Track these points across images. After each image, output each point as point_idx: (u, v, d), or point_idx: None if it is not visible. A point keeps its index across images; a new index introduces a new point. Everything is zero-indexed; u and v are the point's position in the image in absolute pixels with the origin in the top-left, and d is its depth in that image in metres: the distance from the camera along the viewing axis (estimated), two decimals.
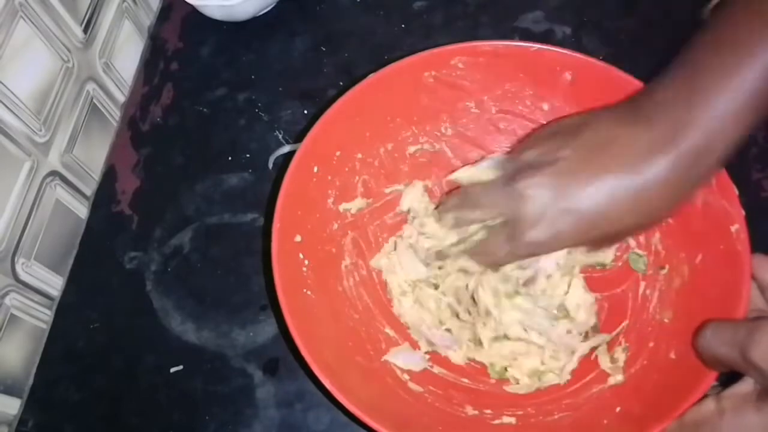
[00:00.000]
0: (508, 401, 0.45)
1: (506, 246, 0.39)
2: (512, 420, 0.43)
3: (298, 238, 0.45)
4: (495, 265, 0.44)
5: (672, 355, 0.41)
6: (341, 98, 0.47)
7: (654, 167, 0.34)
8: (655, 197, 0.35)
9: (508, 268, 0.46)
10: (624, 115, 0.37)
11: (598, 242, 0.40)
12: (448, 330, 0.48)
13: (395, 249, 0.51)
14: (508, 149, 0.52)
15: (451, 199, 0.45)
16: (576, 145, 0.37)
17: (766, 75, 0.32)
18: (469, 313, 0.48)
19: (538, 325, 0.45)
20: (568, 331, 0.46)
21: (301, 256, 0.45)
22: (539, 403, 0.44)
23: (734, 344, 0.33)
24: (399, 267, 0.50)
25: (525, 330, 0.46)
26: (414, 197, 0.52)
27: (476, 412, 0.44)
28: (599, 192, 0.36)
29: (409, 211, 0.53)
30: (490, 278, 0.46)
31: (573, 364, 0.45)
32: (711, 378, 0.36)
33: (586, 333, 0.47)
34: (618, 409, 0.40)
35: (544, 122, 0.50)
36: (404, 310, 0.49)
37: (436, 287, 0.49)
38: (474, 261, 0.44)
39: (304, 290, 0.44)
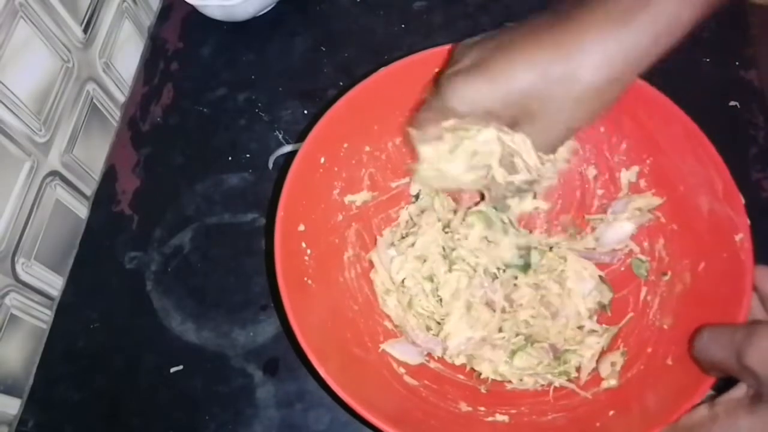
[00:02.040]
0: (502, 399, 0.45)
1: (429, 103, 0.40)
2: (505, 418, 0.43)
3: (301, 228, 0.45)
4: (423, 127, 0.41)
5: (669, 361, 0.41)
6: (350, 92, 0.47)
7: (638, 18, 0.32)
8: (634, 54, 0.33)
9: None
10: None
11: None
12: (435, 334, 0.48)
13: (376, 247, 0.51)
14: None
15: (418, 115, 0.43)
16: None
17: None
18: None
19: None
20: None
21: (303, 245, 0.45)
22: (533, 403, 0.44)
23: (730, 348, 0.33)
24: (380, 265, 0.50)
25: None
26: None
27: (470, 408, 0.44)
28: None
29: (417, 196, 0.53)
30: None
31: (590, 363, 0.45)
32: (707, 385, 0.36)
33: (596, 312, 0.47)
34: (611, 412, 0.40)
35: None
36: (390, 309, 0.49)
37: (432, 279, 0.49)
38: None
39: (305, 279, 0.44)
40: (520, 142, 0.37)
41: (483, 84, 0.35)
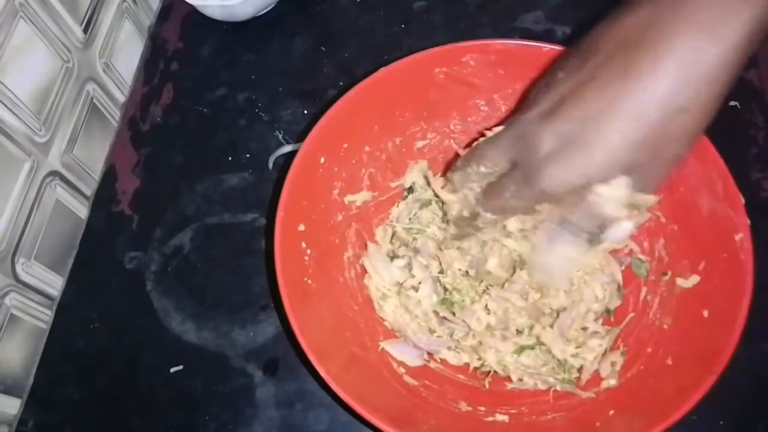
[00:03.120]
0: (502, 399, 0.45)
1: (518, 190, 0.35)
2: (505, 418, 0.43)
3: (301, 227, 0.45)
4: (505, 212, 0.39)
5: (669, 361, 0.41)
6: (350, 91, 0.47)
7: (732, 23, 0.28)
8: (733, 62, 0.28)
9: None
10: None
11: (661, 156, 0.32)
12: (439, 336, 0.48)
13: (367, 253, 0.50)
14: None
15: (460, 159, 0.41)
16: (598, 55, 0.32)
17: None
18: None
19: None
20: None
21: (303, 245, 0.45)
22: (533, 403, 0.44)
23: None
24: (373, 271, 0.49)
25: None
26: (418, 173, 0.53)
27: (470, 408, 0.44)
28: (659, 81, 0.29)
29: (410, 189, 0.53)
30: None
31: (592, 365, 0.45)
32: (707, 385, 0.36)
33: (602, 315, 0.47)
34: (611, 412, 0.41)
35: None
36: (386, 314, 0.49)
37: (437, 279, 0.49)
38: (486, 210, 0.39)
39: (305, 279, 0.44)
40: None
41: (583, 164, 0.31)
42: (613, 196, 0.33)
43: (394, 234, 0.52)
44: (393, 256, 0.51)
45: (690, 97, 0.29)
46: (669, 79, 0.29)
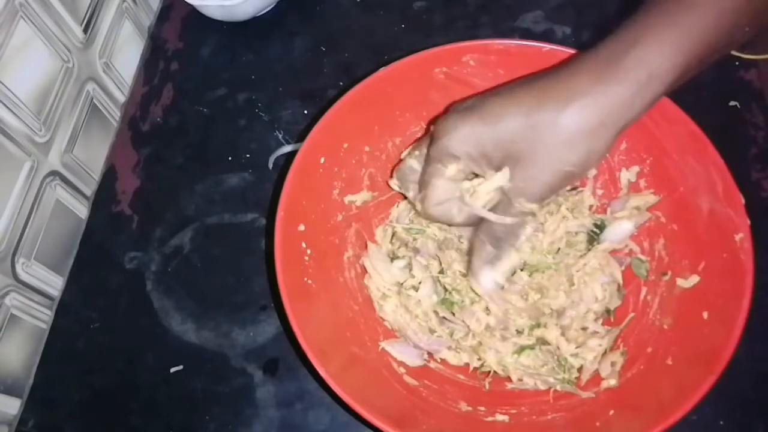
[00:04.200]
0: (502, 399, 0.45)
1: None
2: (505, 418, 0.43)
3: (301, 228, 0.45)
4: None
5: (669, 361, 0.41)
6: (350, 91, 0.47)
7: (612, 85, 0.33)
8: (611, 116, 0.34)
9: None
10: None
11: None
12: (439, 336, 0.48)
13: (368, 253, 0.50)
14: None
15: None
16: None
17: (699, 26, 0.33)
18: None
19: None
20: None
21: (303, 245, 0.45)
22: (533, 403, 0.44)
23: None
24: (373, 271, 0.49)
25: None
26: None
27: (470, 408, 0.44)
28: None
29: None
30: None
31: (592, 366, 0.45)
32: (707, 385, 0.36)
33: (602, 315, 0.47)
34: (611, 412, 0.40)
35: None
36: (386, 314, 0.49)
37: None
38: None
39: (305, 279, 0.44)
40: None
41: (476, 121, 0.37)
42: (488, 182, 0.38)
43: (394, 234, 0.52)
44: (393, 257, 0.51)
45: (553, 116, 0.35)
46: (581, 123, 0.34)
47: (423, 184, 0.41)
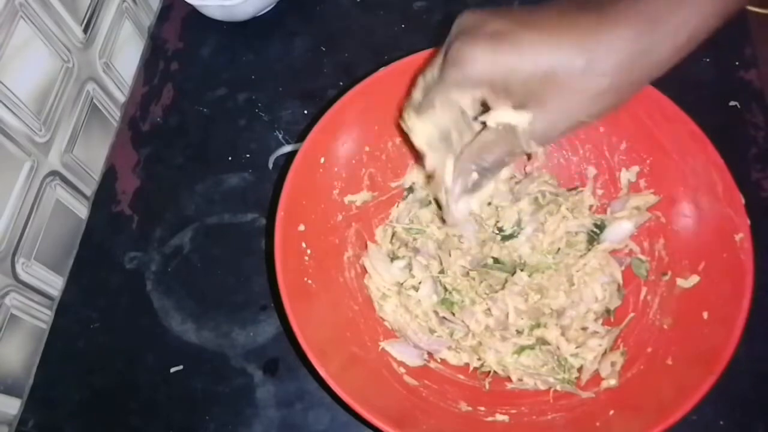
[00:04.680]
0: (502, 399, 0.45)
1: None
2: (505, 418, 0.43)
3: (301, 228, 0.45)
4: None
5: (669, 361, 0.41)
6: (350, 91, 0.47)
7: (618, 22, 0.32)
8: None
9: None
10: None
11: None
12: (439, 336, 0.48)
13: (368, 253, 0.50)
14: None
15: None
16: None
17: None
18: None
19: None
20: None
21: (303, 245, 0.45)
22: (533, 403, 0.44)
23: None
24: (373, 271, 0.49)
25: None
26: (419, 173, 0.52)
27: (470, 408, 0.44)
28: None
29: (410, 189, 0.53)
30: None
31: (592, 366, 0.45)
32: (707, 385, 0.36)
33: (603, 316, 0.47)
34: (611, 412, 0.41)
35: None
36: (386, 314, 0.49)
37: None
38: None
39: (305, 279, 0.44)
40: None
41: (509, 52, 0.33)
42: (508, 117, 0.35)
43: (394, 234, 0.52)
44: (393, 257, 0.51)
45: (590, 65, 0.32)
46: (603, 48, 0.32)
47: (426, 103, 0.38)
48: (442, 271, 0.49)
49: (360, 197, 0.51)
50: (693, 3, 0.32)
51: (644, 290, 0.46)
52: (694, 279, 0.42)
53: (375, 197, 0.52)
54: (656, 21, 0.32)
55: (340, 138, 0.48)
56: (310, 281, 0.45)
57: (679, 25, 0.32)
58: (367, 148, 0.51)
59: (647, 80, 0.33)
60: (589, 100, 0.33)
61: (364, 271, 0.50)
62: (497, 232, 0.50)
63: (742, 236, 0.39)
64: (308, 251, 0.45)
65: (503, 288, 0.47)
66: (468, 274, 0.49)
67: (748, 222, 0.40)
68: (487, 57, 0.34)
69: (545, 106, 0.34)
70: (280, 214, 0.43)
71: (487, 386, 0.46)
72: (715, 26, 0.33)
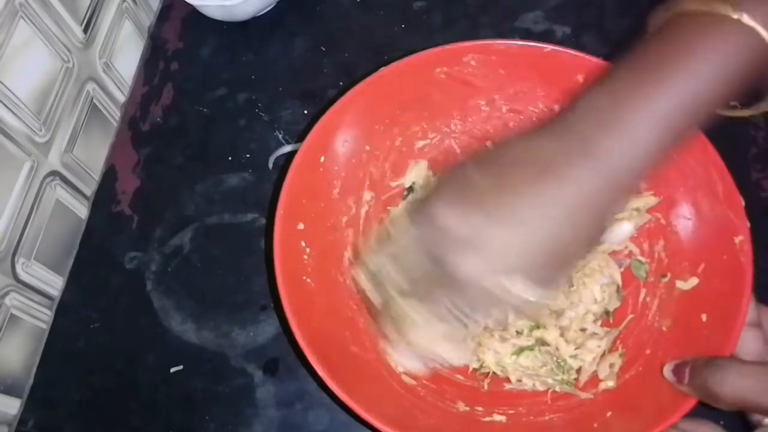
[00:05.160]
0: (500, 399, 0.45)
1: (446, 293, 0.34)
2: (503, 418, 0.43)
3: (301, 226, 0.45)
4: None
5: (668, 363, 0.41)
6: (351, 90, 0.47)
7: (573, 172, 0.31)
8: (578, 204, 0.32)
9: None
10: (536, 136, 0.34)
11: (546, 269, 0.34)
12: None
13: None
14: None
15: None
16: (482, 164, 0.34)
17: (680, 105, 0.31)
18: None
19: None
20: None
21: (303, 244, 0.45)
22: (531, 403, 0.44)
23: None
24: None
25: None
26: (418, 173, 0.53)
27: (468, 408, 0.44)
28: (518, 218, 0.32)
29: (410, 189, 0.53)
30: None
31: (591, 367, 0.45)
32: None
33: (601, 317, 0.47)
34: (609, 413, 0.41)
35: None
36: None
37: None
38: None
39: (304, 278, 0.44)
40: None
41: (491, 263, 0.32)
42: (516, 292, 0.33)
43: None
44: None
45: (578, 224, 0.32)
46: (563, 204, 0.32)
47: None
48: None
49: (360, 197, 0.51)
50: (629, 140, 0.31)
51: (643, 292, 0.46)
52: (694, 281, 0.42)
53: (375, 197, 0.52)
54: (587, 151, 0.31)
55: (341, 137, 0.48)
56: (308, 280, 0.44)
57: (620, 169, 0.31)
58: (367, 148, 0.51)
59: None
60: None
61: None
62: None
63: (742, 238, 0.39)
64: (307, 250, 0.45)
65: None
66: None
67: (748, 224, 0.40)
68: (475, 268, 0.32)
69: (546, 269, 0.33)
70: (280, 212, 0.43)
71: (486, 387, 0.46)
72: (663, 156, 0.32)
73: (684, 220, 0.44)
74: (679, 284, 0.43)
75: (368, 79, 0.47)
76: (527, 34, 0.65)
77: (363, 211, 0.52)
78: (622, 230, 0.48)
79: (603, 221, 0.34)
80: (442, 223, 0.33)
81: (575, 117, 0.33)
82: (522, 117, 0.51)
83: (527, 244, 0.32)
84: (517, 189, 0.32)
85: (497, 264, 0.32)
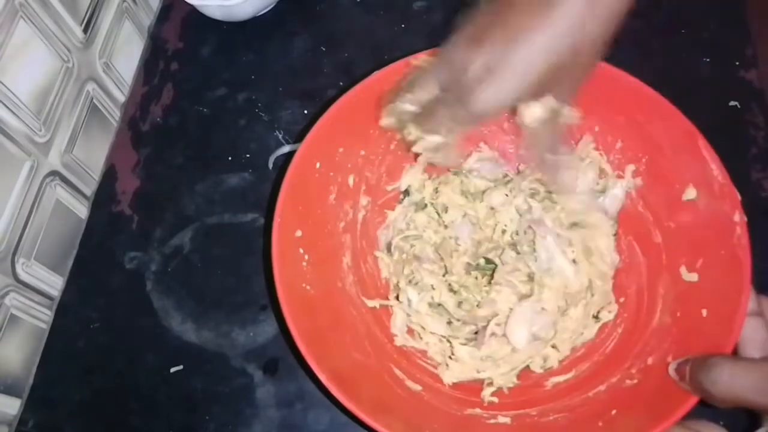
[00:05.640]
0: (505, 401, 0.45)
1: (452, 113, 0.37)
2: (507, 420, 0.43)
3: (298, 233, 0.45)
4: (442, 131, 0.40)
5: (669, 359, 0.41)
6: (344, 95, 0.47)
7: None
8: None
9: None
10: None
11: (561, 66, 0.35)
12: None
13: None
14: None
15: (392, 90, 0.42)
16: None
17: None
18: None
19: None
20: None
21: (301, 251, 0.45)
22: (535, 404, 0.44)
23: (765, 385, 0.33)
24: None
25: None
26: (414, 176, 0.53)
27: (471, 411, 0.44)
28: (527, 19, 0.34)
29: (406, 192, 0.53)
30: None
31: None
32: None
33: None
34: (614, 412, 0.40)
35: None
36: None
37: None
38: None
39: (303, 285, 0.44)
40: None
41: (510, 87, 0.35)
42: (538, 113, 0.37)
43: (391, 246, 0.52)
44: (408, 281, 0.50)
45: (590, 25, 0.34)
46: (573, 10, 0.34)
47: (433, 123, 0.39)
48: (446, 272, 0.49)
49: (356, 201, 0.51)
50: None
51: (643, 288, 0.46)
52: (693, 276, 0.42)
53: (371, 202, 0.52)
54: None
55: (336, 143, 0.48)
56: (308, 287, 0.44)
57: None
58: (362, 152, 0.50)
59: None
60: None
61: (363, 275, 0.50)
62: (482, 263, 0.50)
63: (740, 233, 0.39)
64: (306, 257, 0.45)
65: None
66: (470, 273, 0.49)
67: (745, 219, 0.40)
68: (496, 97, 0.35)
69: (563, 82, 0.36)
70: (277, 220, 0.43)
71: (486, 401, 0.46)
72: None
73: (681, 215, 0.44)
74: (678, 280, 0.43)
75: (360, 84, 0.47)
76: None
77: (360, 216, 0.51)
78: (614, 195, 0.48)
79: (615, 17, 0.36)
80: (459, 62, 0.36)
81: None
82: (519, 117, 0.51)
83: (537, 59, 0.34)
84: (518, 18, 0.35)
85: (516, 89, 0.35)
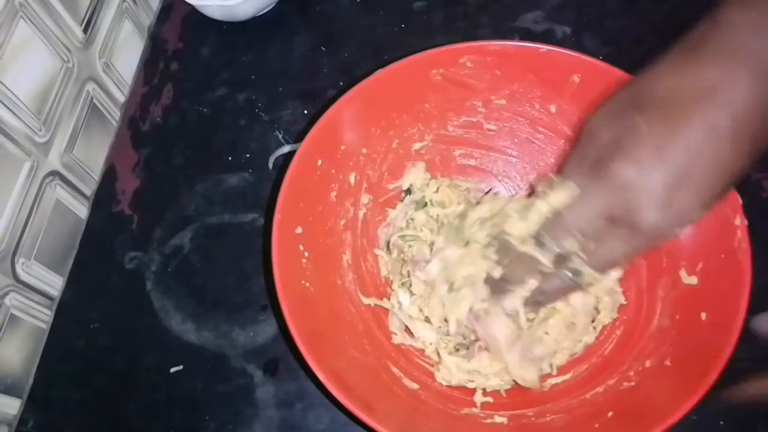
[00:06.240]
0: (501, 401, 0.45)
1: (624, 245, 0.35)
2: (504, 420, 0.43)
3: (299, 230, 0.45)
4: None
5: (667, 362, 0.41)
6: (346, 94, 0.47)
7: (736, 91, 0.31)
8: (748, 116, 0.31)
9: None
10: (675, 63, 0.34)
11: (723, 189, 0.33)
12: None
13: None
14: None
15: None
16: (643, 108, 0.34)
17: None
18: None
19: None
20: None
21: (301, 247, 0.45)
22: (532, 404, 0.44)
23: None
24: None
25: None
26: (416, 175, 0.53)
27: (469, 410, 0.44)
28: (698, 133, 0.31)
29: (407, 191, 0.53)
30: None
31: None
32: (705, 386, 0.36)
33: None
34: (610, 413, 0.40)
35: (548, 122, 0.50)
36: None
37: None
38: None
39: (303, 282, 0.44)
40: None
41: (689, 186, 0.32)
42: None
43: (389, 244, 0.52)
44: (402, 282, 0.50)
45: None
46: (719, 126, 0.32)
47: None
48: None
49: (357, 199, 0.51)
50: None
51: (642, 291, 0.46)
52: (692, 280, 0.42)
53: (372, 200, 0.52)
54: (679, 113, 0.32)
55: (338, 140, 0.48)
56: (307, 284, 0.44)
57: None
58: (364, 150, 0.50)
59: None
60: None
61: (363, 275, 0.50)
62: None
63: (740, 237, 0.39)
64: (306, 254, 0.45)
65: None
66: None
67: (746, 223, 0.40)
68: (670, 217, 0.33)
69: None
70: (277, 216, 0.43)
71: (479, 405, 0.46)
72: None
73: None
74: (678, 284, 0.43)
75: (362, 83, 0.47)
76: (527, 34, 0.65)
77: (361, 214, 0.51)
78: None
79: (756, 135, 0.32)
80: (623, 179, 0.33)
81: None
82: (519, 117, 0.51)
83: (699, 172, 0.32)
84: (674, 124, 0.32)
85: (693, 208, 0.33)
